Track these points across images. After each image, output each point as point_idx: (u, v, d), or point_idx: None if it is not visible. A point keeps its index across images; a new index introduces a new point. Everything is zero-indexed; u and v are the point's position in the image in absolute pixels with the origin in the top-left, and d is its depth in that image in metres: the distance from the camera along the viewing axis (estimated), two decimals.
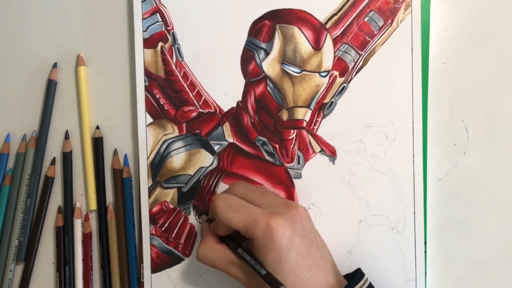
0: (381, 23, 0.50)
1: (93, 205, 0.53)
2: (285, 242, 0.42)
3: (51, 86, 0.53)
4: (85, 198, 0.54)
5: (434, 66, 0.50)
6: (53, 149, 0.54)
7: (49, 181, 0.53)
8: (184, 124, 0.52)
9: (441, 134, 0.50)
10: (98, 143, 0.53)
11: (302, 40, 0.50)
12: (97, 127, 0.53)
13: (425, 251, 0.50)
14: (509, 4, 0.50)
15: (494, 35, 0.50)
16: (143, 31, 0.52)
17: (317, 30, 0.50)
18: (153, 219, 0.52)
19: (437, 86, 0.50)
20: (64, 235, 0.53)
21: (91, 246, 0.53)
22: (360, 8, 0.50)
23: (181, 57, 0.52)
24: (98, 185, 0.53)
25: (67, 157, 0.53)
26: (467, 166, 0.50)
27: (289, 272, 0.42)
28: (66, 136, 0.54)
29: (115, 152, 0.53)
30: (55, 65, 0.53)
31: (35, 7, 0.54)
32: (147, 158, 0.52)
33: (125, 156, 0.53)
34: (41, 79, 0.54)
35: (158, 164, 0.52)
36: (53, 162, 0.54)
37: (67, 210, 0.53)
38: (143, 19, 0.52)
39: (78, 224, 0.53)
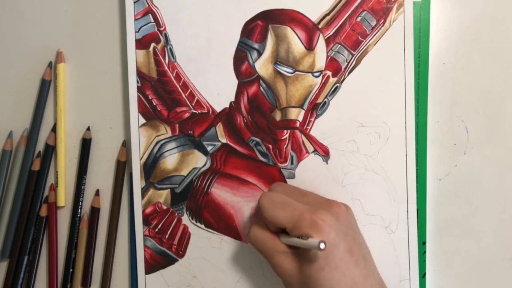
0: (373, 23, 0.50)
1: (62, 202, 0.53)
2: (330, 237, 0.42)
3: (44, 86, 0.53)
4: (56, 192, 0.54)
5: (434, 66, 0.50)
6: (43, 148, 0.54)
7: (33, 174, 0.53)
8: (177, 125, 0.52)
9: (441, 134, 0.50)
10: (86, 144, 0.53)
11: (294, 40, 0.50)
12: (88, 128, 0.53)
13: (425, 251, 0.50)
14: (509, 4, 0.50)
15: (494, 35, 0.50)
16: (136, 32, 0.51)
17: (310, 30, 0.50)
18: (146, 220, 0.52)
19: (437, 86, 0.50)
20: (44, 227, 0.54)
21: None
22: (352, 8, 0.50)
23: (173, 58, 0.52)
24: (79, 184, 0.53)
25: (48, 150, 0.53)
26: (467, 166, 0.50)
27: (334, 269, 0.42)
28: (53, 129, 0.54)
29: (124, 144, 0.53)
30: (49, 65, 0.53)
31: (30, 6, 0.54)
32: (140, 159, 0.52)
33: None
34: (32, 78, 0.54)
35: (151, 165, 0.52)
36: (38, 155, 0.54)
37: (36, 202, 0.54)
38: (135, 20, 0.51)
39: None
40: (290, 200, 0.45)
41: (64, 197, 0.53)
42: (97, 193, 0.53)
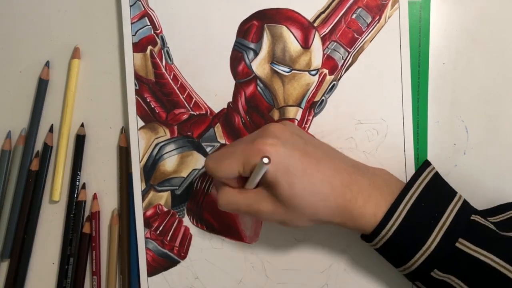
0: (369, 20, 0.50)
1: (57, 197, 0.54)
2: (280, 153, 0.41)
3: (41, 85, 0.54)
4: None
5: (434, 66, 0.50)
6: (41, 147, 0.55)
7: (32, 174, 0.53)
8: (176, 127, 0.52)
9: (441, 134, 0.50)
10: (79, 140, 0.54)
11: (290, 39, 0.50)
12: (82, 125, 0.54)
13: None
14: (509, 4, 0.49)
15: (494, 35, 0.49)
16: (132, 35, 0.52)
17: (305, 28, 0.50)
18: (147, 223, 0.52)
19: (437, 86, 0.50)
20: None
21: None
22: (347, 5, 0.50)
23: (170, 60, 0.52)
24: (73, 181, 0.54)
25: (47, 150, 0.54)
26: (467, 166, 0.50)
27: (301, 176, 0.42)
28: (51, 129, 0.54)
29: (122, 131, 0.53)
30: (47, 64, 0.54)
31: (30, 6, 0.54)
32: (140, 162, 0.52)
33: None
34: (32, 77, 0.54)
35: (150, 167, 0.52)
36: (36, 155, 0.54)
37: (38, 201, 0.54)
38: (131, 23, 0.52)
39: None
40: (229, 148, 0.44)
41: (58, 192, 0.54)
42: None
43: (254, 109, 0.51)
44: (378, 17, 0.50)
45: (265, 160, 0.39)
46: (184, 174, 0.52)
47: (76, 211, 0.53)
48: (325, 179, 0.42)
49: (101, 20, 0.53)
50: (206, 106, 0.52)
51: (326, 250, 0.51)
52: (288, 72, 0.51)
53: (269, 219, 0.44)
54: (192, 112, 0.52)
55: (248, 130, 0.51)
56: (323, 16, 0.50)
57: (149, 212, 0.52)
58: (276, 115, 0.51)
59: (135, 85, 0.52)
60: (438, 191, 0.45)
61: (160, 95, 0.52)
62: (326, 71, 0.50)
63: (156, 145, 0.52)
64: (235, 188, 0.45)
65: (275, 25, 0.51)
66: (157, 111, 0.52)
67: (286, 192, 0.42)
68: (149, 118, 0.52)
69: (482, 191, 0.50)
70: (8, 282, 0.53)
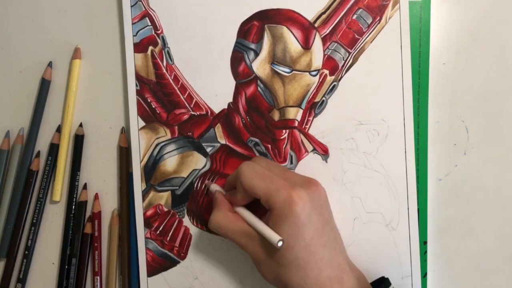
0: (369, 21, 0.50)
1: (57, 197, 0.54)
2: (303, 216, 0.42)
3: (44, 85, 0.54)
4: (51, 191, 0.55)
5: (434, 66, 0.50)
6: (42, 147, 0.55)
7: (32, 174, 0.53)
8: (176, 127, 0.52)
9: (441, 134, 0.50)
10: (78, 140, 0.54)
11: (291, 40, 0.50)
12: (80, 125, 0.54)
13: (426, 251, 0.50)
14: (509, 4, 0.49)
15: (494, 35, 0.50)
16: (133, 35, 0.52)
17: (306, 29, 0.50)
18: (147, 223, 0.52)
19: (437, 86, 0.50)
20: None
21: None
22: (348, 6, 0.50)
23: (171, 60, 0.52)
24: (72, 181, 0.54)
25: (53, 148, 0.54)
26: (467, 166, 0.50)
27: (304, 248, 0.42)
28: (58, 129, 0.54)
29: (123, 131, 0.53)
30: (50, 64, 0.54)
31: (31, 6, 0.54)
32: (140, 162, 0.52)
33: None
34: (32, 77, 0.54)
35: (151, 167, 0.52)
36: (37, 155, 0.54)
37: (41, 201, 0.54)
38: (132, 23, 0.52)
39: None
40: (270, 173, 0.44)
41: (59, 192, 0.54)
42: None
43: (255, 109, 0.51)
44: (378, 17, 0.50)
45: (280, 244, 0.41)
46: (185, 174, 0.52)
47: (78, 212, 0.53)
48: (319, 264, 0.43)
49: (102, 21, 0.53)
50: (206, 107, 0.52)
51: None
52: (288, 73, 0.51)
53: (249, 254, 0.45)
54: (193, 113, 0.52)
55: (248, 131, 0.51)
56: (323, 16, 0.50)
57: (149, 212, 0.52)
58: (276, 115, 0.51)
59: (136, 85, 0.52)
60: None
61: (160, 95, 0.52)
62: (326, 71, 0.50)
63: (157, 145, 0.52)
64: (235, 204, 0.46)
65: (276, 26, 0.51)
66: (158, 111, 0.52)
67: (281, 251, 0.42)
68: (149, 118, 0.52)
69: (482, 191, 0.50)
70: (4, 282, 0.53)
